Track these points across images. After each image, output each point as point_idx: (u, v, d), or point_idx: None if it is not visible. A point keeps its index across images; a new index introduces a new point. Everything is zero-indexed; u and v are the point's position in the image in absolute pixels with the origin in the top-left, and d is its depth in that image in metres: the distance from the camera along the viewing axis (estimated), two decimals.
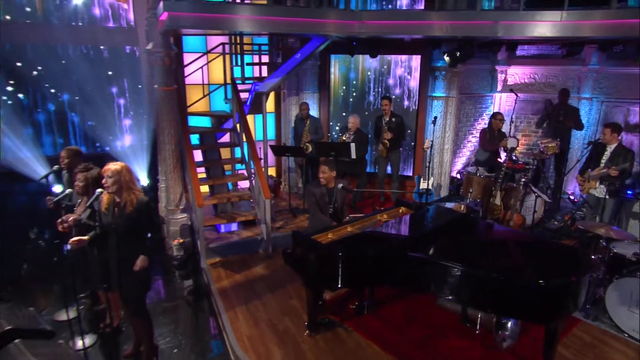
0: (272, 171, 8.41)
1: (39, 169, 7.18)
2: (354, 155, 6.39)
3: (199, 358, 4.20)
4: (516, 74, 7.99)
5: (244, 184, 7.09)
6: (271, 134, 8.32)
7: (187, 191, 6.36)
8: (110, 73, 8.88)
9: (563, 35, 5.18)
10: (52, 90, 8.73)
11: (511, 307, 3.23)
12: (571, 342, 4.03)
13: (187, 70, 6.83)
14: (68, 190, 4.04)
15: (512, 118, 7.23)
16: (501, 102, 8.24)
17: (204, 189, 6.20)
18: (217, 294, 4.95)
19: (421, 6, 7.28)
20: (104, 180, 3.42)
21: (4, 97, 8.10)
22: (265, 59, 7.90)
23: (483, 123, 8.13)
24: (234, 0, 5.85)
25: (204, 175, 6.63)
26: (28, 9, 7.83)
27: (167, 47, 5.53)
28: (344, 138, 6.95)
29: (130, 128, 9.27)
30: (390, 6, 7.56)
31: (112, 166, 3.43)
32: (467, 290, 3.35)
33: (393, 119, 7.05)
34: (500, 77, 8.04)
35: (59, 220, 3.85)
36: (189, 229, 6.24)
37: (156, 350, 4.07)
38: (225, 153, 7.24)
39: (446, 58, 6.43)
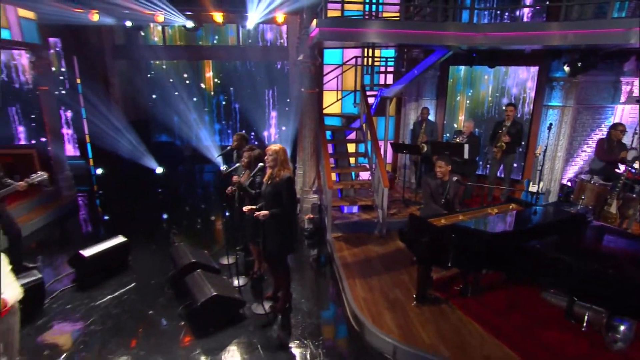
0: (388, 167, 8.38)
1: (213, 152, 8.27)
2: (466, 156, 6.08)
3: (321, 310, 4.40)
4: None
5: (365, 175, 7.19)
6: (390, 135, 8.28)
7: (319, 177, 6.67)
8: (266, 82, 9.94)
9: None
10: (224, 94, 10.10)
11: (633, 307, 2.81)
12: None
13: (325, 79, 7.14)
14: (237, 164, 4.56)
15: (635, 130, 6.14)
16: (623, 113, 7.04)
17: (332, 176, 6.43)
18: (339, 262, 5.12)
19: (543, 19, 6.58)
20: (266, 157, 3.79)
21: (194, 100, 9.66)
22: (390, 69, 7.89)
23: (601, 134, 7.03)
24: (370, 17, 5.95)
25: (332, 165, 6.86)
26: (216, 37, 9.24)
27: (314, 58, 5.88)
28: (458, 140, 6.62)
29: (277, 124, 10.17)
30: (513, 15, 6.97)
31: (273, 147, 3.80)
32: (584, 285, 3.00)
33: (514, 125, 6.52)
34: (625, 88, 6.86)
35: (229, 188, 4.41)
36: (318, 207, 6.55)
37: (290, 298, 4.36)
38: (350, 148, 7.41)
39: (566, 68, 5.75)
